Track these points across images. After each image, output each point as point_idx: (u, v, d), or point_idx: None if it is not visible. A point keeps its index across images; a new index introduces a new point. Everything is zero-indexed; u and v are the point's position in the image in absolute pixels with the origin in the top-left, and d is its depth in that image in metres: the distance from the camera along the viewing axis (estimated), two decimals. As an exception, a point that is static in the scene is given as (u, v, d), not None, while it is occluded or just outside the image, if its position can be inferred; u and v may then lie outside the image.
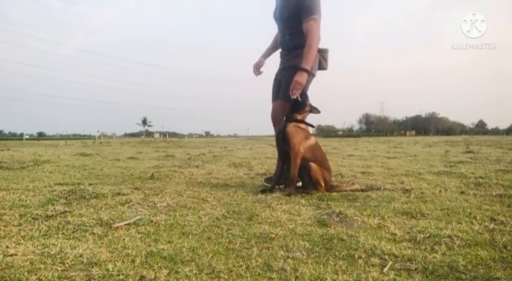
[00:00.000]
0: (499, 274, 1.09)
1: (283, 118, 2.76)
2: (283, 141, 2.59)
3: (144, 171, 3.88)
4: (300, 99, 2.63)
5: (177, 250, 1.29)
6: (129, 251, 1.26)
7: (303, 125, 2.68)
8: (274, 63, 3.08)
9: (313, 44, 2.63)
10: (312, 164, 2.56)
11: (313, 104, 2.77)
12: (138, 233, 1.51)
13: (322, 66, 2.86)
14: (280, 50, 3.02)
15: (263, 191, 2.56)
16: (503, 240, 1.39)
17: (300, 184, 2.71)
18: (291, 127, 2.59)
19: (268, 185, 2.75)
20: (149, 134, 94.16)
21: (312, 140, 2.67)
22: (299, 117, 2.67)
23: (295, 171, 2.52)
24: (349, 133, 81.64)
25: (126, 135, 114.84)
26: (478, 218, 1.74)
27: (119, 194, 2.31)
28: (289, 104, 2.73)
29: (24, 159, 5.15)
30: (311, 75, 2.74)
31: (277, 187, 2.70)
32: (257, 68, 3.12)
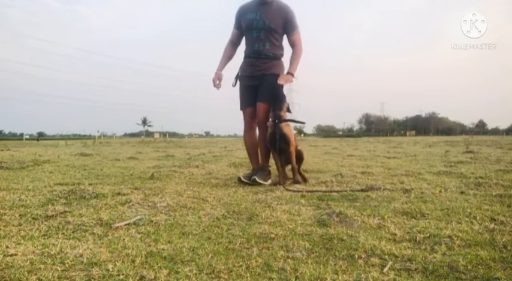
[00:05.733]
0: (499, 274, 1.09)
1: (267, 119, 3.03)
2: (281, 140, 2.91)
3: (144, 171, 3.88)
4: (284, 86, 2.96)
5: (177, 250, 1.29)
6: (129, 251, 1.26)
7: (289, 123, 3.07)
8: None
9: (300, 54, 3.08)
10: (299, 148, 3.16)
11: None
12: (138, 233, 1.51)
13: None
14: (246, 58, 3.14)
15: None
16: (503, 240, 1.38)
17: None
18: (286, 127, 2.96)
19: (248, 181, 2.93)
20: (149, 134, 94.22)
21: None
22: (282, 114, 2.98)
23: (294, 161, 3.01)
24: (349, 133, 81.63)
25: (126, 135, 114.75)
26: (478, 218, 1.74)
27: (119, 194, 2.31)
28: (269, 105, 3.04)
29: (24, 159, 5.15)
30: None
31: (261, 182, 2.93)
32: (218, 82, 3.22)
